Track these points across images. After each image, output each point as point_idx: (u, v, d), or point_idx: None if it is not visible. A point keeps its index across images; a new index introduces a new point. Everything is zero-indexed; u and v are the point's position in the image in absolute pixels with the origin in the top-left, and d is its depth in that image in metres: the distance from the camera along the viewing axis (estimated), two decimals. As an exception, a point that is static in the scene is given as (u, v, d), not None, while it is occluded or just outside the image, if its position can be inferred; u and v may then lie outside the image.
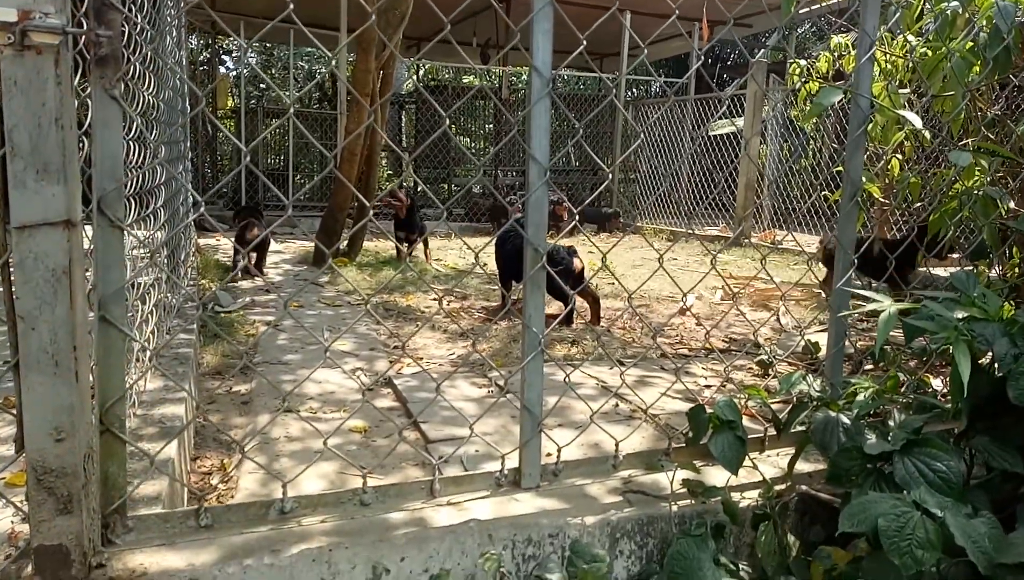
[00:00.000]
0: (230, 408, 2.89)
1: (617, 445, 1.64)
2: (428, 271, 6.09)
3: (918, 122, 1.66)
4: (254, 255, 5.89)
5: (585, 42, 1.62)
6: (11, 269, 1.18)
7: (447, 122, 1.59)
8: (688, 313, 5.01)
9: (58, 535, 1.20)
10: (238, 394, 3.04)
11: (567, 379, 1.72)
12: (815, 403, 1.47)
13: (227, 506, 1.31)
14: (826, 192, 4.45)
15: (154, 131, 3.11)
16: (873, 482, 1.25)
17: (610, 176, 11.48)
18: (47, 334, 1.13)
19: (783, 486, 1.64)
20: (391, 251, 7.16)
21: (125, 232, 1.22)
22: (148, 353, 2.58)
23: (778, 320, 4.81)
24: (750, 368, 3.62)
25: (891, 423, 1.39)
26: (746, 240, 8.72)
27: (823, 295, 5.58)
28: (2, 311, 1.20)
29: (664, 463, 1.59)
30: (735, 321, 4.92)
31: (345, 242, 6.60)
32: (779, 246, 8.28)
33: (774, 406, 1.91)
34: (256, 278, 5.35)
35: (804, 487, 1.59)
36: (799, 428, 1.65)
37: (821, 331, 4.39)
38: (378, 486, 1.41)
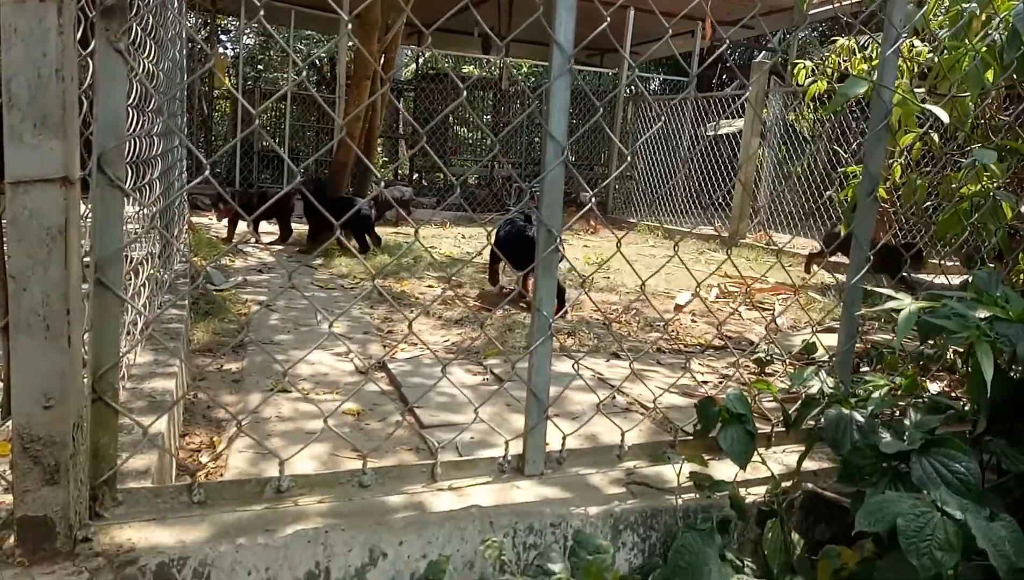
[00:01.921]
0: (220, 386, 2.83)
1: (623, 435, 1.60)
2: (423, 258, 6.03)
3: (944, 116, 1.62)
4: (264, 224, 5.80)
5: (608, 19, 1.58)
6: (3, 226, 1.12)
7: (463, 96, 1.54)
8: (683, 310, 4.98)
9: (43, 506, 1.14)
10: (229, 372, 2.99)
11: (576, 366, 1.69)
12: (827, 400, 1.43)
13: (221, 482, 1.26)
14: (831, 193, 4.41)
15: (152, 101, 3.04)
16: (888, 481, 1.22)
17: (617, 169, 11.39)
18: (39, 295, 1.07)
19: (789, 483, 1.61)
20: (387, 237, 7.09)
21: (125, 195, 1.16)
22: (139, 325, 2.52)
23: (774, 320, 4.78)
24: (747, 365, 3.60)
25: (906, 422, 1.36)
26: (741, 240, 8.71)
27: (816, 296, 5.57)
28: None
29: (670, 455, 1.56)
30: (731, 320, 4.90)
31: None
32: (773, 247, 8.27)
33: (773, 404, 1.87)
34: (248, 257, 5.26)
35: (810, 485, 1.55)
36: (808, 424, 1.62)
37: (821, 332, 4.37)
38: (378, 467, 1.36)
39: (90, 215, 1.17)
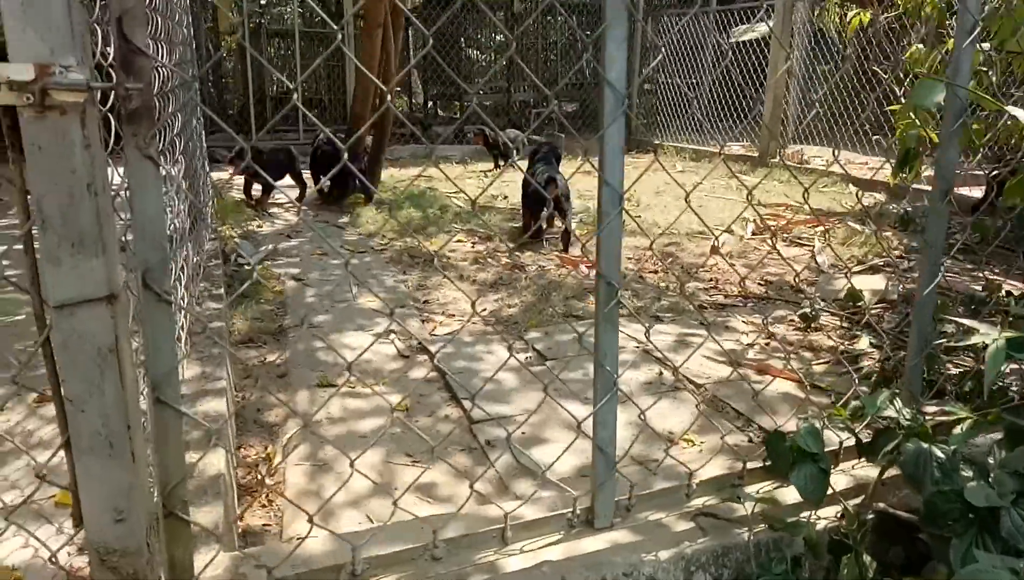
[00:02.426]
0: (267, 381, 2.84)
1: (691, 475, 1.56)
2: (449, 209, 5.94)
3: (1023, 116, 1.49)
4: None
5: None
6: (53, 347, 1.09)
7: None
8: (720, 253, 4.87)
9: (125, 610, 1.15)
10: (273, 366, 2.99)
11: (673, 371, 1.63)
12: (904, 431, 1.38)
13: (296, 575, 1.26)
14: (886, 107, 4.21)
15: (162, 52, 2.89)
16: (976, 533, 1.18)
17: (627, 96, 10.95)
18: (98, 417, 1.05)
19: (858, 501, 1.58)
20: (411, 184, 6.98)
21: (174, 304, 1.11)
22: (183, 335, 2.51)
23: (813, 258, 4.67)
24: (791, 320, 3.53)
25: (991, 460, 1.30)
26: (772, 160, 8.44)
27: (855, 226, 5.41)
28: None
29: (740, 495, 1.53)
30: (770, 259, 4.79)
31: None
32: (807, 167, 8.01)
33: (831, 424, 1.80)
34: (274, 220, 5.19)
35: (882, 505, 1.52)
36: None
37: (864, 271, 4.26)
38: (449, 539, 1.35)
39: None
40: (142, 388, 1.33)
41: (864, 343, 3.22)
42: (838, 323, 3.49)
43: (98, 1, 1.45)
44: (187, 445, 1.79)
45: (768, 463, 1.48)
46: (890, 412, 1.41)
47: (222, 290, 3.33)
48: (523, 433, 2.40)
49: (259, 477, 2.21)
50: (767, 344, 3.23)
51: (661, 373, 2.88)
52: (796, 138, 8.92)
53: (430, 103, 14.30)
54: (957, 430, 1.37)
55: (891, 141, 3.10)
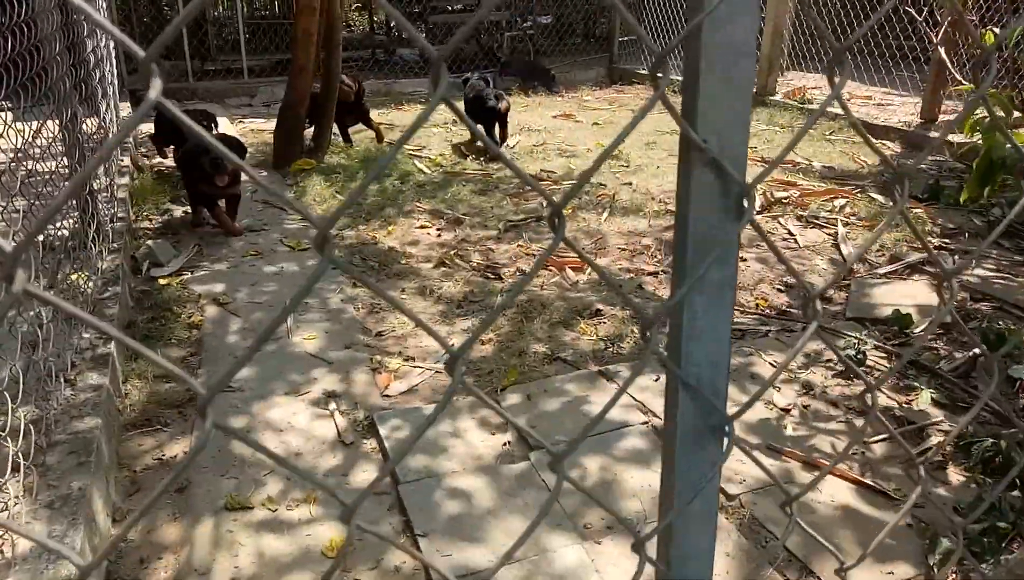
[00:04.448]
0: (159, 501, 2.15)
1: None
2: (411, 177, 5.10)
3: None
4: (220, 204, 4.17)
5: None
6: None
7: None
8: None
9: None
10: (172, 464, 2.29)
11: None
12: None
13: None
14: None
15: None
16: None
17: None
18: None
19: None
20: (364, 142, 6.08)
21: None
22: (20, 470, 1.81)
23: (837, 247, 3.98)
24: (829, 361, 2.86)
25: None
26: (772, 97, 7.59)
27: (878, 197, 4.70)
28: None
29: None
30: (783, 245, 4.09)
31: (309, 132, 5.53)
32: (810, 106, 7.19)
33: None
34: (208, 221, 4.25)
35: None
36: None
37: (896, 274, 3.58)
38: None
39: None
40: None
41: (925, 399, 2.59)
42: (886, 362, 2.84)
43: None
44: None
45: None
46: None
47: (111, 346, 2.58)
48: (501, 606, 1.76)
49: None
50: (807, 406, 2.58)
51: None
52: (793, 63, 7.99)
53: (392, 22, 13.01)
54: None
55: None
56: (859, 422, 2.49)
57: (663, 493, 0.64)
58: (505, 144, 5.91)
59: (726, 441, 0.57)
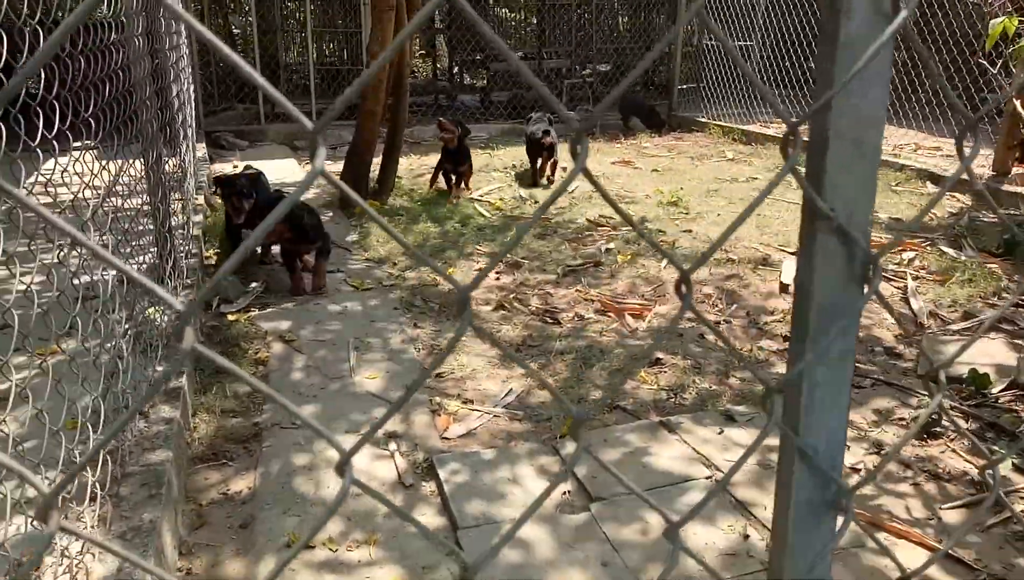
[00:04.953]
0: (223, 536, 2.18)
1: None
2: (471, 220, 5.18)
3: None
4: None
5: None
6: None
7: None
8: (790, 292, 4.08)
9: None
10: (237, 501, 2.33)
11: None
12: None
13: None
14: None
15: None
16: None
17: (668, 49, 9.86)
18: None
19: None
20: (427, 183, 6.21)
21: None
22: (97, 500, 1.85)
23: (907, 301, 3.87)
24: (900, 419, 2.76)
25: None
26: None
27: (948, 251, 4.56)
28: None
29: None
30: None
31: (375, 174, 5.68)
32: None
33: None
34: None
35: None
36: None
37: (969, 331, 3.45)
38: None
39: None
40: None
41: (1007, 466, 2.46)
42: (963, 423, 2.73)
43: None
44: None
45: None
46: None
47: (182, 380, 2.66)
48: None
49: None
50: (875, 466, 2.49)
51: (747, 534, 2.15)
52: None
53: (455, 68, 13.32)
54: None
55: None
56: (929, 486, 2.39)
57: (772, 567, 0.62)
58: (554, 183, 6.39)
59: (840, 518, 0.56)
